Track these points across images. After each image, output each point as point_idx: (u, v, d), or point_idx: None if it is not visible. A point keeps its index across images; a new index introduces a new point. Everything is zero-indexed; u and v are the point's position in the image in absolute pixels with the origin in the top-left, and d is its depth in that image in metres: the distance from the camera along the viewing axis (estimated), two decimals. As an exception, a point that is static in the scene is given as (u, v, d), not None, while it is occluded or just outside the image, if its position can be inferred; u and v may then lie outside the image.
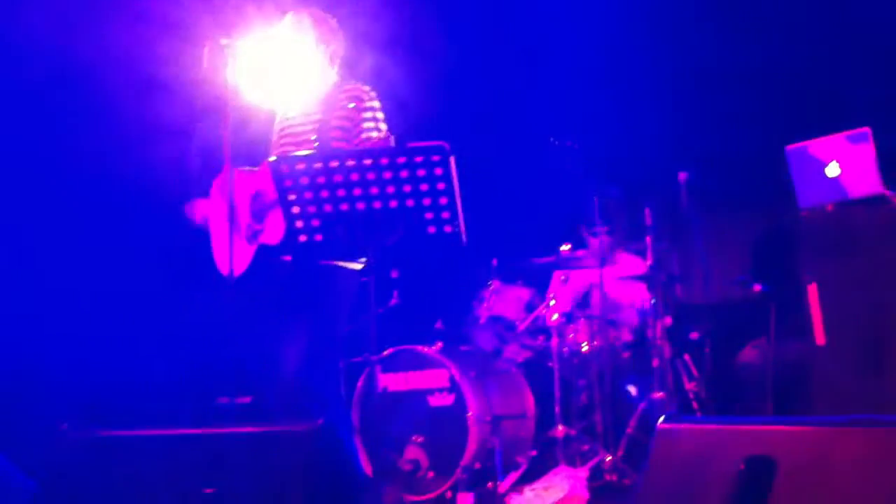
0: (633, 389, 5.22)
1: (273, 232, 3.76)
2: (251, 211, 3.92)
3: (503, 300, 5.32)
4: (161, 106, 6.14)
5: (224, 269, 3.90)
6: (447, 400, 4.98)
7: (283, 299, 3.93)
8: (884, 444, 2.22)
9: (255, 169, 3.98)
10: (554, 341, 5.01)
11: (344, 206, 3.13)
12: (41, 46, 6.37)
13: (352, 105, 3.86)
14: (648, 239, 5.19)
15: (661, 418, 2.58)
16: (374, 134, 3.86)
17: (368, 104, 3.88)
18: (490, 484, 4.77)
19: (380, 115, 3.90)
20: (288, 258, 3.86)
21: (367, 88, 3.92)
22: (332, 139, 3.85)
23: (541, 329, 5.22)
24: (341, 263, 3.85)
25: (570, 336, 5.17)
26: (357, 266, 3.87)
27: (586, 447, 4.91)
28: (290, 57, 3.90)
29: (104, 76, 6.55)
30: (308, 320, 3.81)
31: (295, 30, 3.95)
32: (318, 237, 3.19)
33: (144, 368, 6.57)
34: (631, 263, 5.73)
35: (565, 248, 5.28)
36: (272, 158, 3.28)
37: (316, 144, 3.84)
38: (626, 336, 5.41)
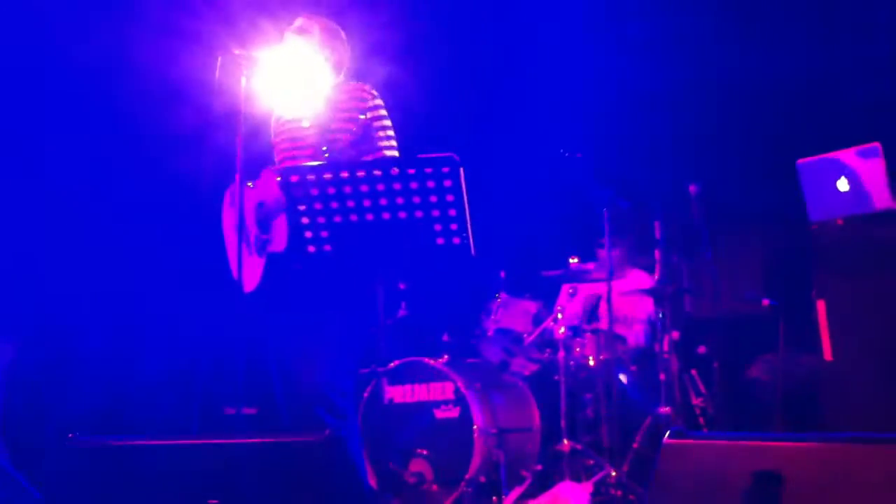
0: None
1: (278, 239, 3.76)
2: (257, 221, 3.92)
3: (510, 313, 5.31)
4: (176, 115, 6.16)
5: (242, 283, 3.90)
6: (453, 412, 4.97)
7: (299, 310, 3.94)
8: (892, 460, 2.21)
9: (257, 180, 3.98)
10: (561, 355, 4.99)
11: (353, 217, 3.12)
12: (60, 55, 6.42)
13: (363, 116, 3.86)
14: (657, 252, 5.18)
15: (668, 433, 2.57)
16: (380, 133, 3.86)
17: (372, 103, 3.88)
18: (495, 498, 4.76)
19: (383, 111, 3.90)
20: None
21: (368, 87, 3.91)
22: (337, 141, 3.83)
23: (548, 342, 5.21)
24: (356, 273, 3.84)
25: (577, 350, 5.16)
26: (369, 276, 3.87)
27: (592, 462, 4.89)
28: (296, 59, 3.91)
29: (120, 85, 6.59)
30: (323, 330, 3.81)
31: (301, 33, 3.96)
32: (327, 248, 3.19)
33: (154, 377, 6.58)
34: (639, 277, 5.72)
35: (573, 261, 5.27)
36: (272, 168, 3.28)
37: (326, 155, 3.84)
38: (633, 350, 5.40)
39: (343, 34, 4.06)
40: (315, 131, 3.90)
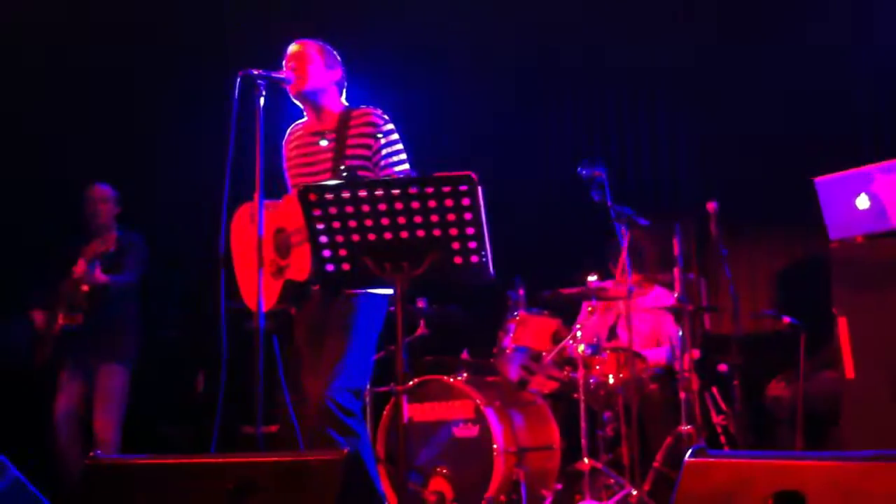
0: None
1: (300, 268, 3.77)
2: (275, 246, 3.93)
3: (529, 330, 5.30)
4: (192, 133, 6.21)
5: (250, 302, 3.90)
6: (472, 431, 4.96)
7: (314, 327, 3.95)
8: (916, 480, 2.19)
9: (277, 202, 4.00)
10: (580, 373, 4.98)
11: (371, 236, 3.13)
12: (73, 68, 6.48)
13: (376, 135, 3.89)
14: (676, 270, 5.16)
15: (689, 452, 2.55)
16: (394, 158, 3.90)
17: (384, 128, 3.92)
18: (515, 516, 4.74)
19: (395, 136, 3.93)
20: (316, 287, 3.87)
21: (379, 112, 3.96)
22: (351, 168, 3.87)
23: (567, 360, 5.19)
24: (369, 290, 3.85)
25: (597, 367, 5.14)
26: (382, 292, 3.88)
27: (612, 481, 4.86)
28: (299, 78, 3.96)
29: (138, 103, 6.65)
30: (342, 349, 3.81)
31: (302, 54, 4.00)
32: (346, 266, 3.19)
33: (171, 395, 6.60)
34: (659, 295, 5.70)
35: (592, 278, 5.26)
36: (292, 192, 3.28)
37: (345, 174, 3.86)
38: (654, 368, 5.38)
39: (337, 56, 4.11)
40: (328, 155, 3.94)
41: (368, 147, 3.90)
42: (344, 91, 4.12)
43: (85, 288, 5.32)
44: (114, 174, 5.82)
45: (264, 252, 3.92)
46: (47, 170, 6.40)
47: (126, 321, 5.57)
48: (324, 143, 3.99)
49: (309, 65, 3.97)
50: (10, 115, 6.19)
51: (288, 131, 4.19)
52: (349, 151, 3.90)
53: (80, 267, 5.26)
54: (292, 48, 4.03)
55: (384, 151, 3.90)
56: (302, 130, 4.11)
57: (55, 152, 6.46)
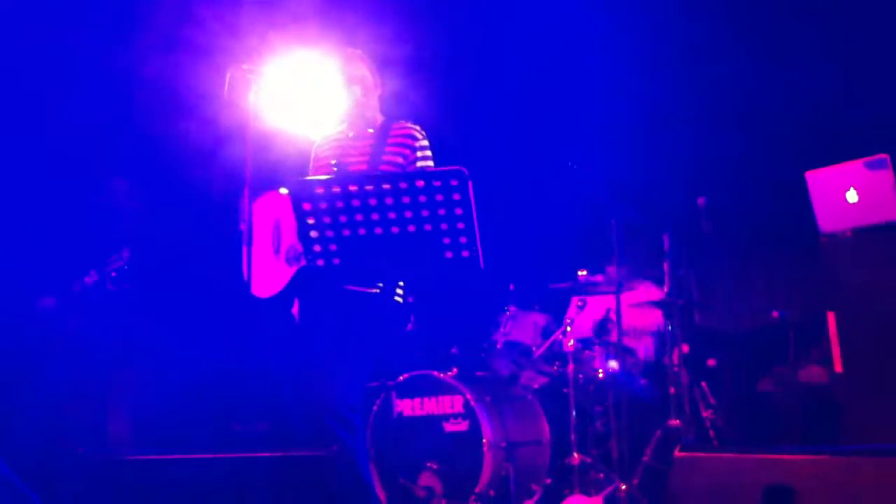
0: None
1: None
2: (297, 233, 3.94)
3: (520, 326, 5.30)
4: (185, 128, 6.19)
5: (257, 289, 3.92)
6: (462, 426, 4.96)
7: (310, 324, 3.95)
8: (905, 474, 2.20)
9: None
10: (570, 367, 4.98)
11: (362, 231, 3.13)
12: (72, 69, 6.45)
13: (411, 147, 3.92)
14: (666, 265, 5.17)
15: (679, 447, 2.56)
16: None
17: (420, 143, 3.95)
18: (505, 511, 4.75)
19: (429, 153, 3.97)
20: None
21: (417, 128, 4.00)
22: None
23: (557, 355, 5.20)
24: (363, 290, 3.86)
25: (587, 362, 5.14)
26: (375, 291, 3.88)
27: (602, 475, 4.87)
28: (315, 88, 3.96)
29: (132, 98, 6.62)
30: (333, 344, 3.82)
31: (323, 68, 4.02)
32: (336, 261, 3.19)
33: (165, 391, 6.58)
34: (648, 289, 5.71)
35: (582, 273, 5.27)
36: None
37: (335, 169, 3.86)
38: (643, 363, 5.39)
39: (369, 63, 4.11)
40: (363, 160, 3.95)
41: (405, 157, 3.94)
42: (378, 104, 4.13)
43: None
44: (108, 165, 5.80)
45: (283, 237, 3.93)
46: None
47: None
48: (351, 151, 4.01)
49: (358, 74, 4.00)
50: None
51: (326, 136, 4.19)
52: (385, 157, 3.93)
53: None
54: (341, 57, 4.04)
55: (418, 164, 3.93)
56: (341, 135, 4.12)
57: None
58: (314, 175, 4.10)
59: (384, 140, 3.98)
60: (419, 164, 3.94)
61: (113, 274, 5.25)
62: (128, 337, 5.67)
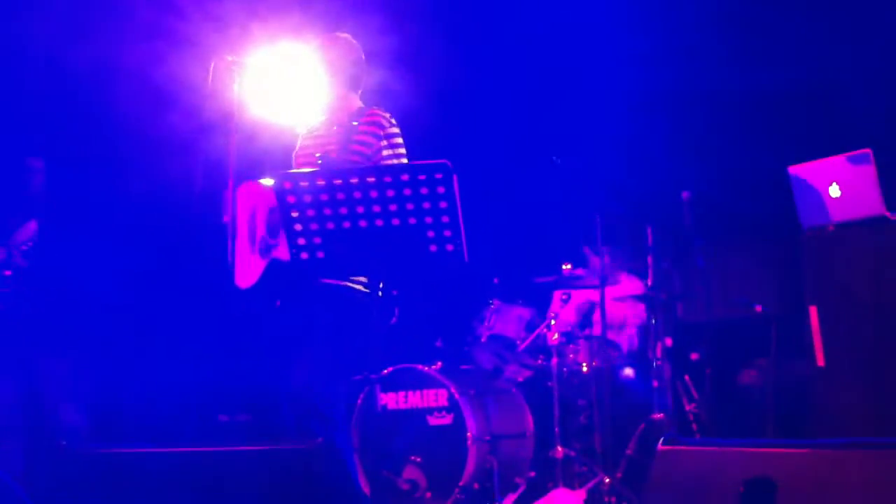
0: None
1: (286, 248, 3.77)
2: (267, 224, 3.92)
3: (504, 319, 5.31)
4: (168, 120, 6.16)
5: (240, 280, 3.91)
6: (446, 419, 4.97)
7: (293, 317, 3.94)
8: (884, 466, 2.21)
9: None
10: (554, 361, 4.99)
11: (346, 224, 3.12)
12: (52, 59, 6.41)
13: (378, 134, 3.90)
14: (649, 258, 5.19)
15: (662, 440, 2.57)
16: (393, 161, 3.90)
17: (389, 130, 3.93)
18: (489, 504, 4.76)
19: (399, 140, 3.94)
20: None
21: (387, 115, 3.97)
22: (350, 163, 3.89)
23: (541, 348, 5.21)
24: (348, 283, 3.85)
25: (571, 356, 5.16)
26: (364, 283, 3.88)
27: (585, 468, 4.89)
28: (299, 79, 3.94)
29: (113, 89, 6.58)
30: (316, 337, 3.81)
31: (306, 56, 3.99)
32: (320, 255, 3.19)
33: (146, 385, 6.56)
34: (632, 283, 5.73)
35: (566, 267, 5.28)
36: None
37: (319, 162, 3.86)
38: (626, 356, 5.40)
39: (354, 50, 4.08)
40: (332, 148, 3.93)
41: (370, 146, 3.91)
42: (361, 89, 4.10)
43: None
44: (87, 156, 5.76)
45: (257, 230, 3.92)
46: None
47: None
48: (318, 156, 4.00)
49: (334, 59, 3.97)
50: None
51: (306, 128, 4.17)
52: (353, 147, 3.91)
53: None
54: (319, 41, 4.01)
55: (384, 153, 3.90)
56: (318, 122, 4.11)
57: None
58: (297, 167, 4.09)
59: (353, 129, 3.95)
60: (385, 152, 3.90)
61: (23, 248, 5.19)
62: (107, 327, 5.63)
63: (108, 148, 6.41)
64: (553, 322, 5.08)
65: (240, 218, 4.02)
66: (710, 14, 6.23)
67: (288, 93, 4.02)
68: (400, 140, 3.96)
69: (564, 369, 5.10)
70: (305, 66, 3.99)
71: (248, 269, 3.91)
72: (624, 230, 5.69)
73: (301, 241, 3.18)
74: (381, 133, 3.91)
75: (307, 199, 3.11)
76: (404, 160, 3.95)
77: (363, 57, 4.11)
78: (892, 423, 4.02)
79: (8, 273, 5.24)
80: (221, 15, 6.69)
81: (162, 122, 6.30)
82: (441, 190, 3.03)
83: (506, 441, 4.96)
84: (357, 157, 3.90)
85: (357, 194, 3.08)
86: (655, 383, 5.04)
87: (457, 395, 4.92)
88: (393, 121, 3.97)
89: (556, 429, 4.88)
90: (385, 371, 5.15)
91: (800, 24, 5.98)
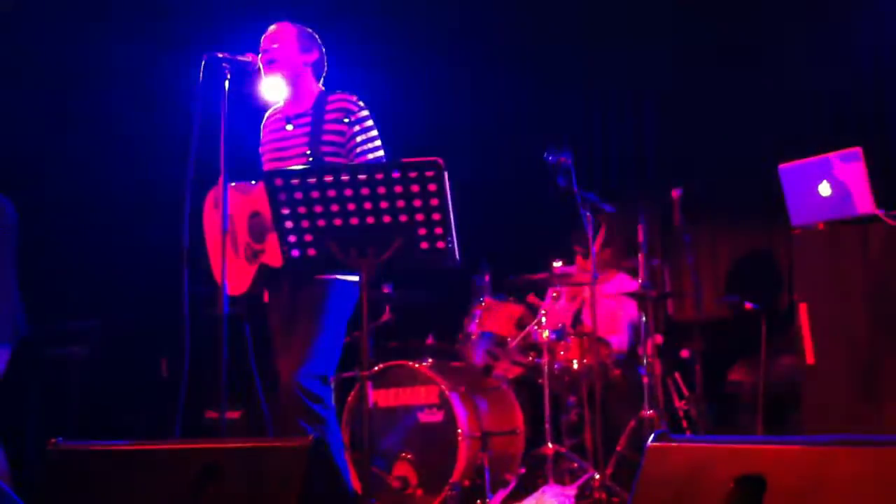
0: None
1: (275, 253, 3.76)
2: (249, 230, 3.91)
3: (495, 316, 5.31)
4: (157, 118, 6.15)
5: (230, 289, 3.89)
6: (437, 416, 4.97)
7: (282, 313, 3.93)
8: (874, 463, 2.22)
9: (252, 184, 3.98)
10: (545, 358, 5.00)
11: (337, 221, 3.12)
12: (41, 57, 6.39)
13: (346, 120, 3.88)
14: (640, 256, 5.20)
15: (652, 437, 2.57)
16: (368, 146, 3.88)
17: (359, 115, 3.90)
18: (479, 501, 4.76)
19: (369, 122, 3.92)
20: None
21: (354, 98, 3.94)
22: (324, 154, 3.87)
23: (532, 346, 5.21)
24: (339, 276, 3.85)
25: (561, 353, 5.16)
26: (352, 279, 3.87)
27: (576, 465, 4.90)
28: (274, 61, 3.93)
29: (101, 87, 6.57)
30: (306, 334, 3.81)
31: (278, 36, 3.97)
32: (312, 252, 3.18)
33: (136, 380, 6.54)
34: (623, 281, 5.73)
35: (557, 264, 5.28)
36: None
37: (310, 159, 3.85)
38: (617, 354, 5.41)
39: (317, 38, 4.08)
40: (303, 140, 3.92)
41: (342, 133, 3.89)
42: (322, 75, 4.08)
43: None
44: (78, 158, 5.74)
45: (239, 236, 3.90)
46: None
47: None
48: (290, 127, 3.97)
49: (284, 47, 3.94)
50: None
51: (266, 115, 4.16)
52: (324, 137, 3.89)
53: None
54: (269, 29, 4.00)
55: (358, 139, 3.89)
56: (279, 114, 4.08)
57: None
58: (265, 140, 4.07)
59: (321, 118, 3.92)
60: (358, 137, 3.88)
61: None
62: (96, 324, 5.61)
63: (95, 144, 6.39)
64: (544, 319, 5.08)
65: (211, 224, 3.99)
66: (705, 12, 6.24)
67: (272, 85, 4.00)
68: (370, 122, 3.93)
69: (555, 366, 5.11)
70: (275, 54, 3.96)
71: (237, 277, 3.90)
72: (615, 228, 5.70)
73: (292, 239, 3.17)
74: (352, 118, 3.88)
75: (298, 196, 3.11)
76: (377, 143, 3.93)
77: (319, 42, 4.08)
78: (881, 420, 4.03)
79: None
80: (211, 11, 6.66)
81: (150, 120, 6.29)
82: (432, 187, 3.03)
83: (496, 438, 4.97)
84: (330, 147, 3.87)
85: (348, 191, 3.08)
86: (646, 380, 5.05)
87: (447, 392, 4.92)
88: (361, 103, 3.94)
89: (547, 426, 4.89)
90: (376, 368, 5.15)
91: (791, 19, 5.99)
